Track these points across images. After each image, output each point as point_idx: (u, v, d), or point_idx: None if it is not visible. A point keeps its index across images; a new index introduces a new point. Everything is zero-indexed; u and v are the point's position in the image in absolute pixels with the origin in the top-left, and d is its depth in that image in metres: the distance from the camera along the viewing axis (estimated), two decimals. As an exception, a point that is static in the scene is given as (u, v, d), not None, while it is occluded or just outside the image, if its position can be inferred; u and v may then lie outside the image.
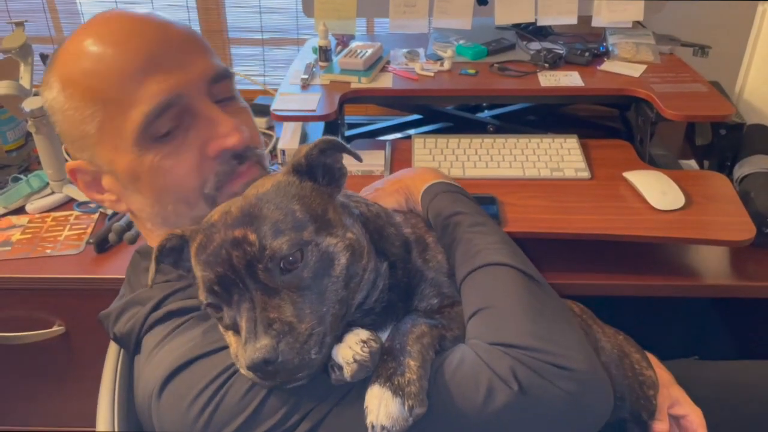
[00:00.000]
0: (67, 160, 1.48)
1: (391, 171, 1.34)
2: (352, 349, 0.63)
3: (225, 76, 0.80)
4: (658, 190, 1.21)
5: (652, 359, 0.95)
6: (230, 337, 0.65)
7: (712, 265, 1.22)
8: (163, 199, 0.78)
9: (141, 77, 0.72)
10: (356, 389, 0.64)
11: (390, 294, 0.72)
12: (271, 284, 0.62)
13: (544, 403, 0.61)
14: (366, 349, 0.63)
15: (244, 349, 0.60)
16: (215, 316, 0.66)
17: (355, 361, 0.62)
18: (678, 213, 1.17)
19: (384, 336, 0.69)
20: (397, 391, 0.60)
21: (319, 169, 0.71)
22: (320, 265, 0.64)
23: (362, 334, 0.65)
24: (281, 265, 0.62)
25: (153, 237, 0.84)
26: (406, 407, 0.59)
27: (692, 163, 1.53)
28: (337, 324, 0.65)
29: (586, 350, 0.66)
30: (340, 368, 0.63)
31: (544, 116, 1.74)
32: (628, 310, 1.39)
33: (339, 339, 0.65)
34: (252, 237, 0.62)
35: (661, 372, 0.94)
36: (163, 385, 0.69)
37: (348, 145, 0.72)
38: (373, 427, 0.59)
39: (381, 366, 0.63)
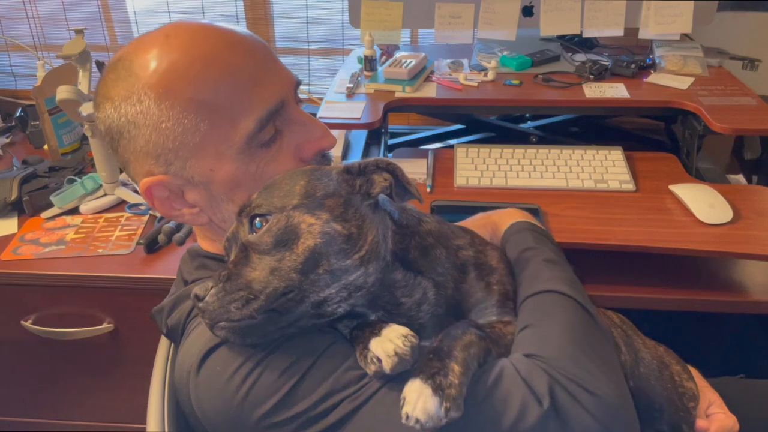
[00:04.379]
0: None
1: (433, 180, 1.35)
2: (393, 342, 0.64)
3: (300, 83, 0.82)
4: (705, 203, 1.19)
5: (692, 371, 0.94)
6: None
7: (760, 281, 1.20)
8: None
9: (251, 85, 0.74)
10: (392, 383, 0.65)
11: (436, 308, 0.73)
12: (243, 239, 0.68)
13: (572, 426, 0.62)
14: (408, 344, 0.64)
15: None
16: None
17: (396, 354, 0.63)
18: (725, 227, 1.15)
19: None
20: (438, 390, 0.60)
21: (363, 177, 0.73)
22: (283, 236, 0.66)
23: (401, 329, 0.66)
24: (251, 222, 0.68)
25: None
26: (443, 408, 0.59)
27: (740, 178, 1.50)
28: (278, 300, 0.65)
29: (619, 381, 0.67)
30: (380, 360, 0.64)
31: (589, 128, 1.73)
32: (673, 326, 1.38)
33: (376, 333, 0.66)
34: (254, 197, 0.70)
35: (697, 379, 0.94)
36: (201, 361, 0.71)
37: (407, 178, 0.72)
38: (407, 417, 0.60)
39: (425, 363, 0.63)
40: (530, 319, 0.72)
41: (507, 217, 0.91)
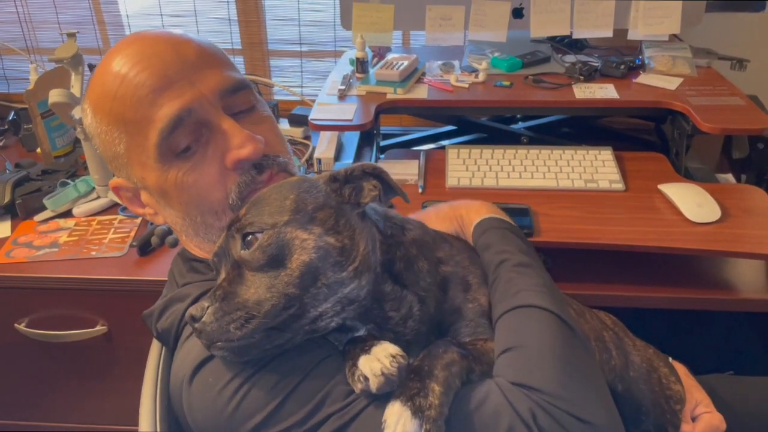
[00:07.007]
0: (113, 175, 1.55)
1: (425, 181, 1.36)
2: (380, 362, 0.64)
3: (241, 88, 0.80)
4: (693, 202, 1.20)
5: (680, 368, 0.95)
6: None
7: (748, 279, 1.21)
8: (191, 211, 0.80)
9: (153, 97, 0.75)
10: (379, 401, 0.64)
11: (420, 325, 0.72)
12: (236, 256, 0.68)
13: None
14: (395, 364, 0.64)
15: None
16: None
17: (383, 374, 0.63)
18: (714, 226, 1.16)
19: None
20: (417, 412, 0.60)
21: (351, 184, 0.73)
22: (276, 252, 0.66)
23: (390, 348, 0.66)
24: (243, 239, 0.68)
25: (191, 246, 0.87)
26: (423, 430, 0.59)
27: (729, 177, 1.52)
28: (278, 317, 0.65)
29: (609, 405, 0.66)
30: (367, 379, 0.64)
31: (579, 128, 1.74)
32: (662, 324, 1.39)
33: (366, 351, 0.66)
34: (242, 212, 0.70)
35: (685, 378, 0.94)
36: (194, 372, 0.71)
37: (393, 181, 0.72)
38: None
39: (406, 384, 0.63)
40: (509, 340, 0.69)
41: (474, 213, 0.89)
